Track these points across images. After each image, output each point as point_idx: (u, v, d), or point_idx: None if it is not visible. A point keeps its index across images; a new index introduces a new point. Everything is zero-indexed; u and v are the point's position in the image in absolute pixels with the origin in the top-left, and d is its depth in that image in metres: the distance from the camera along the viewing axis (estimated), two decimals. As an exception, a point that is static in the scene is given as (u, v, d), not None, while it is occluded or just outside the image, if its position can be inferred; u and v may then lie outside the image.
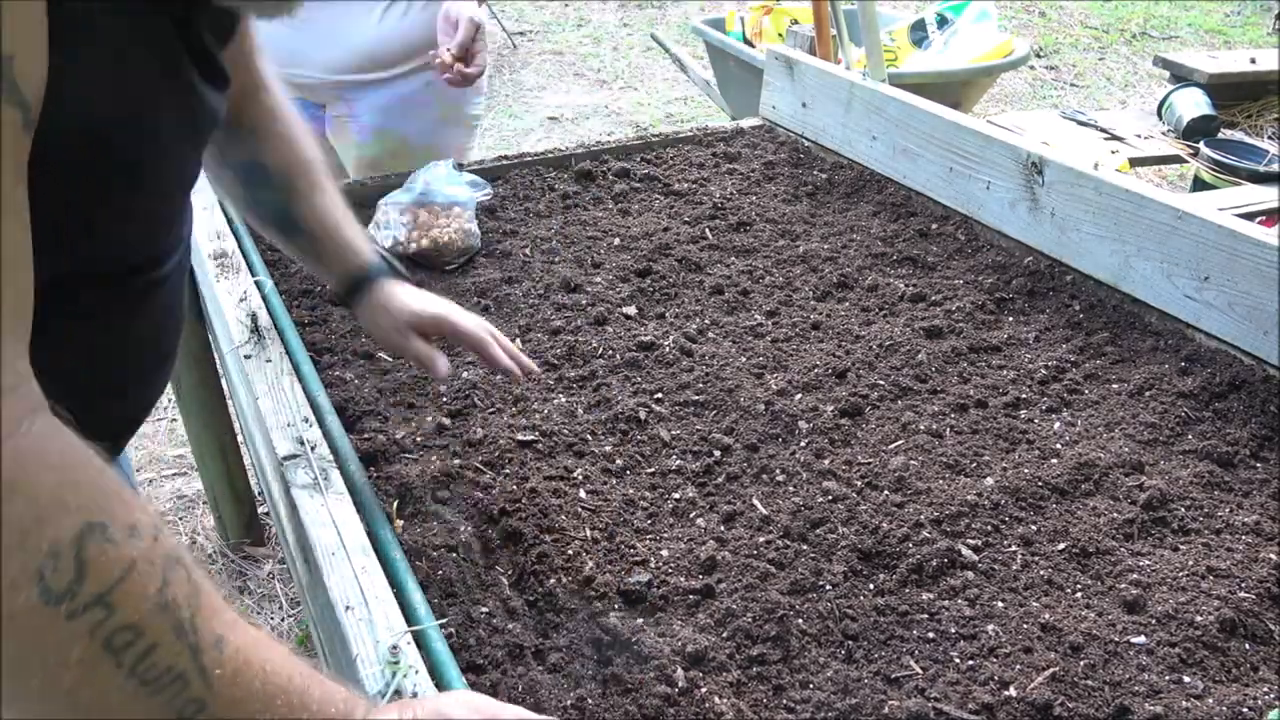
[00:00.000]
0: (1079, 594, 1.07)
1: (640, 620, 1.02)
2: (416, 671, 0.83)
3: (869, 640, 1.02)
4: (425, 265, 1.71)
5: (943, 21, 3.89)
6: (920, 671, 0.98)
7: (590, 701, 0.94)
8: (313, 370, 1.30)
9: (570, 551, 1.11)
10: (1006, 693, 0.94)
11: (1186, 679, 0.97)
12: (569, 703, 0.93)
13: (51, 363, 0.57)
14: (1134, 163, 2.93)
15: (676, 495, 1.22)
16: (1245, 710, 0.93)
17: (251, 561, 2.35)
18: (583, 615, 1.03)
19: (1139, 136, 3.09)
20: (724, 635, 1.01)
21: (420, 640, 0.88)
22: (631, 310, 1.60)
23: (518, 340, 1.51)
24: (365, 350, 1.47)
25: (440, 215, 1.72)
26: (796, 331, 1.56)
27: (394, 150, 2.05)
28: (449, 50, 1.77)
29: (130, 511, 0.55)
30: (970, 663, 0.99)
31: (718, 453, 1.29)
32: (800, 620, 1.03)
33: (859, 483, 1.23)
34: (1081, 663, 0.98)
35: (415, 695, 0.80)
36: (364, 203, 1.76)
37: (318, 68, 1.97)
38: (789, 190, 2.01)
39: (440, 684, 0.85)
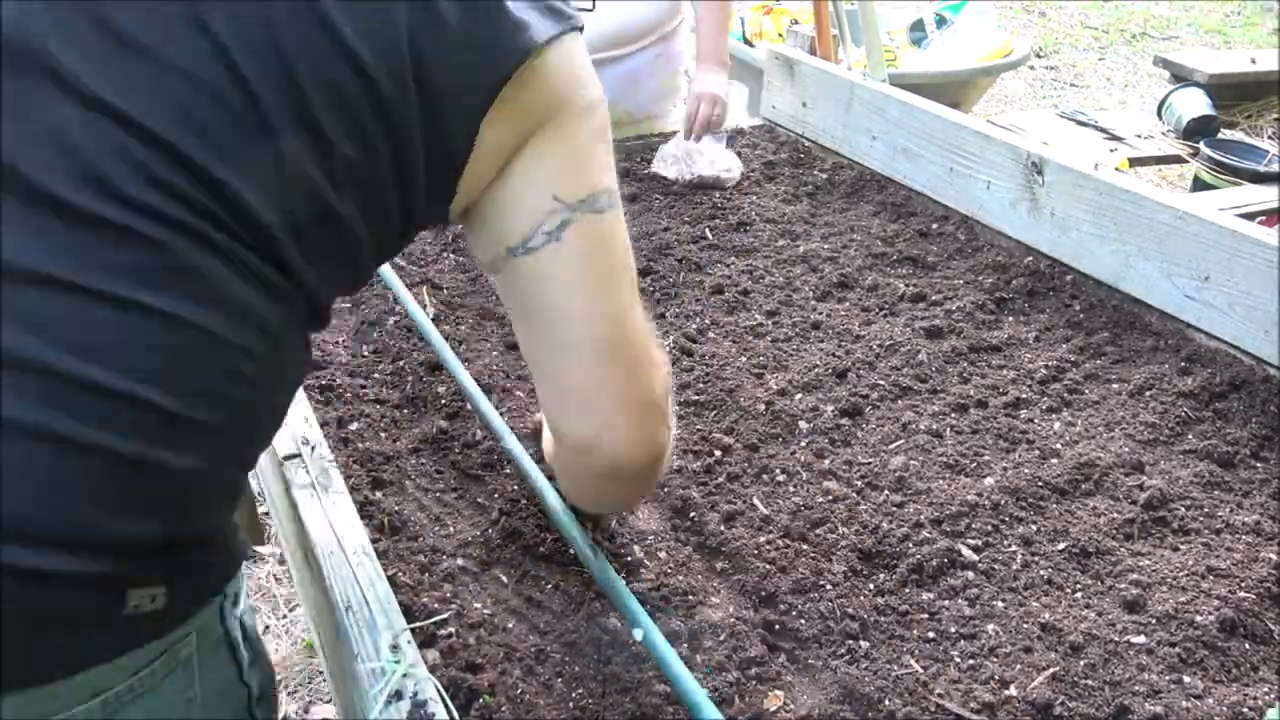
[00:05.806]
0: (1079, 594, 1.07)
1: (640, 620, 1.02)
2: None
3: (869, 640, 1.02)
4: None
5: (941, 21, 3.89)
6: (920, 671, 0.98)
7: (590, 701, 0.94)
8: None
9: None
10: (1007, 692, 0.94)
11: (1186, 679, 0.97)
12: (569, 703, 0.94)
13: None
14: (1134, 163, 2.93)
15: (676, 495, 1.22)
16: (1245, 710, 0.93)
17: (253, 560, 2.36)
18: (583, 615, 1.03)
19: (1139, 136, 3.09)
20: (724, 636, 1.01)
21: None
22: (631, 310, 1.59)
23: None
24: (365, 352, 1.47)
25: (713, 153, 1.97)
26: (796, 331, 1.55)
27: (618, 121, 2.10)
28: (693, 134, 1.94)
29: None
30: (970, 662, 0.99)
31: (718, 452, 1.29)
32: (800, 620, 1.03)
33: (859, 483, 1.23)
34: (1081, 662, 0.98)
35: (415, 695, 0.80)
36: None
37: None
38: (789, 190, 2.01)
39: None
